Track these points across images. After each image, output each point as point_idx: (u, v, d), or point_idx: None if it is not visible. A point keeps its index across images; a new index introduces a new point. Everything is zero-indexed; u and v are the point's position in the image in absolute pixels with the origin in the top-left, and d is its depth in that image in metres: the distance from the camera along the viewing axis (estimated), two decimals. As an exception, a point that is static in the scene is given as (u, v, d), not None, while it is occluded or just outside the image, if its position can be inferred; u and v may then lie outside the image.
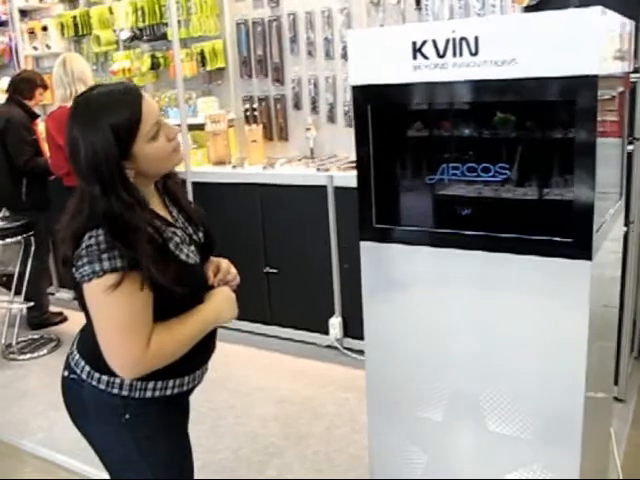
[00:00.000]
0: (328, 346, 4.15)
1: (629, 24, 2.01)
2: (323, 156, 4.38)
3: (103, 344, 1.54)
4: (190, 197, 4.48)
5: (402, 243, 1.91)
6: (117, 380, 1.63)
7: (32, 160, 4.52)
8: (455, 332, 1.87)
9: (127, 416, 1.65)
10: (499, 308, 1.79)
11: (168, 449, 1.74)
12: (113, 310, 1.50)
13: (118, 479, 1.79)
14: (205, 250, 1.78)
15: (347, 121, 4.31)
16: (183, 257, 1.65)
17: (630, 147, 2.86)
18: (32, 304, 4.67)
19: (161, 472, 1.73)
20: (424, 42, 1.72)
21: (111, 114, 1.50)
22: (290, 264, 4.22)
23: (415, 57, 1.74)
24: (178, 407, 1.80)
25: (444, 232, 1.86)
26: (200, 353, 1.72)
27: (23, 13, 5.70)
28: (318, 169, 4.05)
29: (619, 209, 2.19)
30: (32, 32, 5.59)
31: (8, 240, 4.35)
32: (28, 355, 4.44)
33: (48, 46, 5.55)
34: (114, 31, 5.19)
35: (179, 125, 4.54)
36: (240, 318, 4.66)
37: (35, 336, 4.72)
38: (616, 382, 3.12)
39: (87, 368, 1.67)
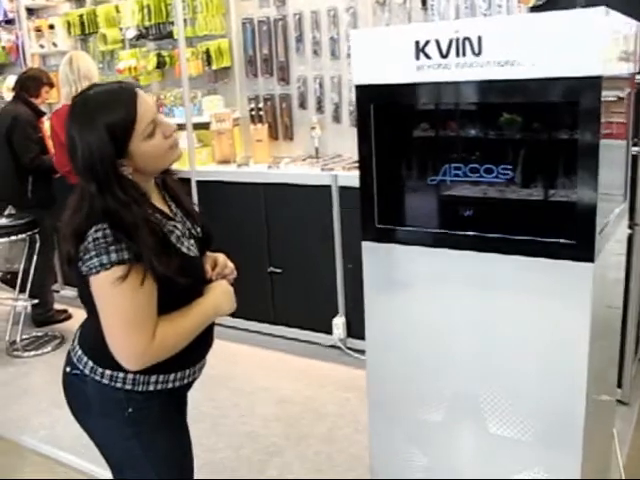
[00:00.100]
0: (331, 346, 4.14)
1: (635, 25, 2.00)
2: (328, 156, 4.37)
3: (109, 336, 1.57)
4: (195, 196, 4.49)
5: (404, 243, 1.90)
6: (120, 374, 1.65)
7: (38, 158, 4.54)
8: (456, 333, 1.86)
9: (130, 410, 1.67)
10: (500, 309, 1.79)
11: (169, 443, 1.77)
12: (120, 302, 1.53)
13: (120, 476, 1.82)
14: (202, 245, 1.81)
15: (352, 121, 4.30)
16: (184, 250, 1.68)
17: (635, 149, 2.85)
18: (37, 301, 4.68)
19: (162, 466, 1.75)
20: (427, 42, 1.71)
21: (106, 113, 1.53)
22: (294, 264, 4.21)
23: (418, 57, 1.74)
24: (178, 401, 1.83)
25: (446, 233, 1.85)
26: (199, 347, 1.74)
27: (30, 11, 5.71)
28: (322, 169, 4.05)
29: (623, 211, 2.18)
30: (39, 30, 5.60)
31: (13, 237, 4.36)
32: (32, 352, 4.45)
33: (55, 44, 5.56)
34: (120, 29, 5.20)
35: (184, 124, 4.56)
36: (244, 317, 4.71)
37: (39, 333, 4.73)
38: (620, 385, 3.11)
39: (90, 363, 1.68)
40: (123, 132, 1.54)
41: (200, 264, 1.77)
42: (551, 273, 1.69)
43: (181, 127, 4.63)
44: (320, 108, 4.48)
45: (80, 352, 1.72)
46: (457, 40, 1.67)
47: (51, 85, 4.78)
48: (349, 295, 4.02)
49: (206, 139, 4.78)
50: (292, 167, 4.29)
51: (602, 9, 1.52)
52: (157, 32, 4.99)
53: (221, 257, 1.89)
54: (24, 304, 4.60)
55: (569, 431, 1.74)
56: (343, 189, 3.85)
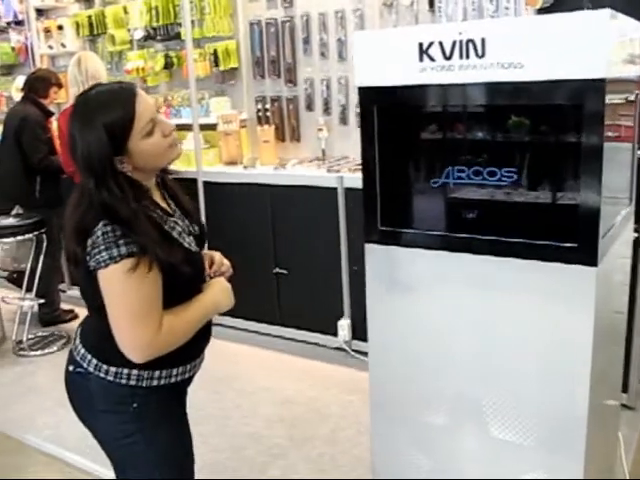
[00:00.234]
0: (336, 348, 4.13)
1: (642, 28, 1.99)
2: (335, 157, 4.36)
3: (116, 329, 1.60)
4: (201, 197, 4.50)
5: (407, 246, 1.90)
6: (125, 370, 1.68)
7: (46, 158, 4.56)
8: (458, 336, 1.86)
9: (135, 405, 1.70)
10: (503, 312, 1.78)
11: (171, 436, 1.80)
12: (128, 295, 1.57)
13: (122, 471, 1.84)
14: (199, 243, 1.86)
15: (359, 123, 4.28)
16: (186, 245, 1.73)
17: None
18: (43, 301, 4.71)
19: (164, 458, 1.79)
20: (431, 44, 1.71)
21: (105, 113, 1.58)
22: (300, 265, 4.21)
23: (422, 59, 1.73)
24: (179, 395, 1.86)
25: (449, 235, 1.85)
26: (199, 341, 1.79)
27: (39, 12, 5.73)
28: (329, 170, 4.04)
29: (629, 214, 2.17)
30: (48, 31, 5.62)
31: (20, 237, 4.39)
32: (38, 352, 4.47)
33: (63, 45, 5.58)
34: (128, 30, 5.22)
35: (191, 125, 4.57)
36: (249, 318, 4.71)
37: (45, 333, 4.75)
38: (625, 389, 3.09)
39: (94, 361, 1.71)
40: (121, 131, 1.58)
41: (201, 259, 1.82)
42: (554, 276, 1.68)
43: (188, 128, 4.64)
44: (327, 110, 4.48)
45: (83, 350, 1.75)
46: (460, 42, 1.66)
47: (60, 86, 4.81)
48: (354, 297, 4.01)
49: (213, 140, 4.78)
50: (299, 168, 4.29)
51: (606, 11, 1.51)
52: (165, 33, 5.00)
53: (217, 255, 1.95)
54: (31, 304, 4.62)
55: (572, 435, 1.73)
56: (349, 191, 3.84)
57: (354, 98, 4.32)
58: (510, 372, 1.79)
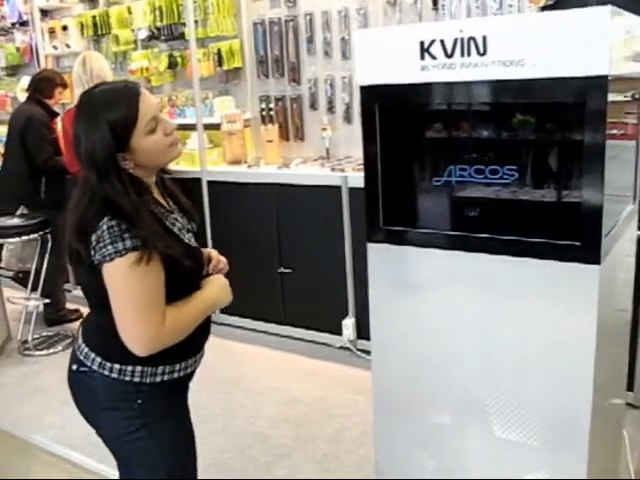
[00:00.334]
0: (341, 347, 4.13)
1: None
2: (339, 156, 4.36)
3: (121, 322, 1.63)
4: (205, 196, 4.50)
5: (409, 245, 1.89)
6: (129, 367, 1.71)
7: (51, 159, 4.57)
8: (462, 335, 1.85)
9: (139, 401, 1.73)
10: (506, 311, 1.77)
11: (174, 431, 1.83)
12: (132, 288, 1.60)
13: (126, 467, 1.87)
14: (197, 240, 1.89)
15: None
16: (186, 240, 1.78)
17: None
18: (48, 301, 4.72)
19: (168, 452, 1.81)
20: (432, 42, 1.70)
21: (109, 111, 1.61)
22: (304, 264, 4.21)
23: (423, 57, 1.72)
24: (182, 390, 1.90)
25: (451, 234, 1.84)
26: (199, 336, 1.82)
27: (44, 13, 5.75)
28: (333, 169, 4.04)
29: (633, 212, 2.15)
30: (52, 31, 5.64)
31: (26, 237, 4.40)
32: (44, 351, 4.48)
33: (68, 45, 5.59)
34: (132, 30, 5.23)
35: (195, 124, 4.57)
36: (254, 318, 4.70)
37: (51, 333, 4.77)
38: (631, 388, 3.08)
39: (98, 359, 1.73)
40: (124, 128, 1.62)
41: (201, 255, 1.85)
42: (557, 275, 1.67)
43: (192, 128, 4.65)
44: (331, 109, 4.47)
45: (87, 349, 1.77)
46: (462, 40, 1.65)
47: (64, 86, 4.82)
48: (359, 296, 4.01)
49: (217, 140, 4.79)
50: (303, 168, 4.29)
51: (608, 8, 1.49)
52: (169, 33, 5.00)
53: (214, 252, 2.00)
54: (36, 303, 4.64)
55: (575, 434, 1.72)
56: (353, 190, 3.84)
57: (358, 97, 4.30)
58: (513, 371, 1.79)
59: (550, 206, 1.72)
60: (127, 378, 1.71)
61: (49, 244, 4.51)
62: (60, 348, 4.50)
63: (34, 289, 4.61)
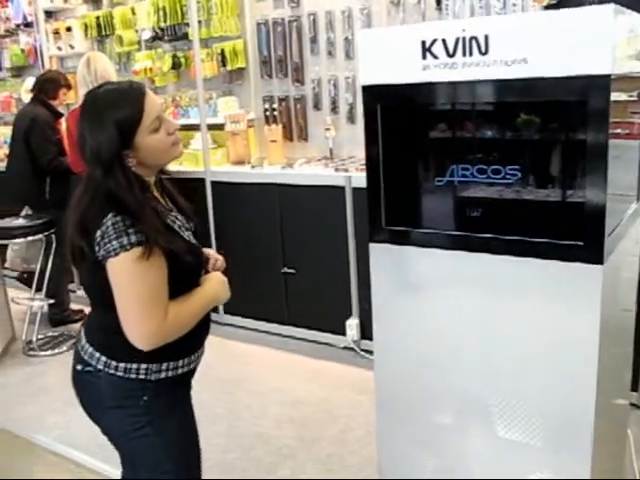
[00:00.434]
0: (345, 347, 4.13)
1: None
2: (342, 157, 4.36)
3: (124, 316, 1.66)
4: (209, 196, 4.50)
5: (412, 245, 1.89)
6: (134, 365, 1.74)
7: (56, 159, 4.58)
8: (464, 335, 1.85)
9: (145, 398, 1.77)
10: (508, 311, 1.76)
11: (178, 426, 1.86)
12: (136, 283, 1.63)
13: (131, 464, 1.92)
14: (195, 239, 1.92)
15: (366, 121, 4.28)
16: (186, 238, 1.81)
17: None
18: (53, 301, 4.74)
19: (173, 448, 1.84)
20: (434, 41, 1.69)
21: (115, 110, 1.65)
22: (308, 264, 4.21)
23: (425, 57, 1.72)
24: (185, 386, 1.93)
25: (454, 234, 1.83)
26: (200, 332, 1.86)
27: (48, 14, 5.77)
28: (336, 169, 4.04)
29: (637, 211, 2.14)
30: (57, 33, 5.65)
31: (30, 238, 4.42)
32: (48, 352, 4.49)
33: (72, 46, 5.60)
34: (136, 31, 5.24)
35: (199, 125, 4.57)
36: (257, 318, 4.70)
37: (55, 333, 4.78)
38: (635, 388, 3.06)
39: (103, 358, 1.76)
40: (130, 127, 1.66)
41: (201, 252, 1.89)
42: (560, 275, 1.66)
43: (196, 128, 4.65)
44: (334, 109, 4.47)
45: (91, 349, 1.79)
46: (464, 39, 1.65)
47: (69, 87, 4.83)
48: (363, 296, 4.00)
49: (221, 140, 4.79)
50: (306, 168, 4.29)
51: (611, 6, 1.49)
52: (172, 33, 5.01)
53: (211, 251, 2.04)
54: (40, 304, 4.65)
55: (578, 434, 1.71)
56: (357, 190, 3.84)
57: (361, 97, 4.30)
58: (516, 371, 1.78)
59: (553, 206, 1.71)
60: (132, 376, 1.74)
61: (53, 245, 4.51)
62: (64, 348, 4.51)
63: (38, 289, 4.62)
